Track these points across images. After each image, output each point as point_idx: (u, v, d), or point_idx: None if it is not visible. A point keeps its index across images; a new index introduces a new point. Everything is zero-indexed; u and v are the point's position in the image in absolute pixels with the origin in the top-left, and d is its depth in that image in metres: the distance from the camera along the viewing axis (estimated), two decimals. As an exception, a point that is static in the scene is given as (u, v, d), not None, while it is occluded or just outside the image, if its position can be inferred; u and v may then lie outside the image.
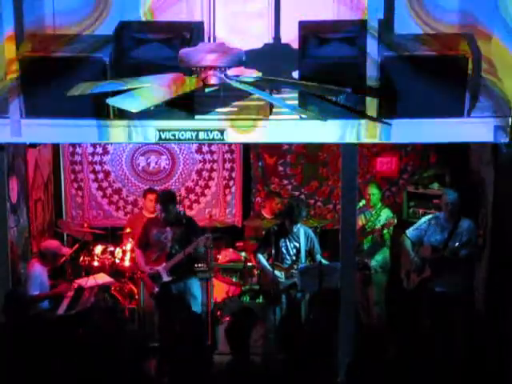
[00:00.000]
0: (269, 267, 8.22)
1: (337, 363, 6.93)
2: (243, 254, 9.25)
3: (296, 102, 6.37)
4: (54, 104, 6.34)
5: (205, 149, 10.24)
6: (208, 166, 10.31)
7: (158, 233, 8.13)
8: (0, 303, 6.58)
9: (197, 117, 6.62)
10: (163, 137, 6.67)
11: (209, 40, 5.00)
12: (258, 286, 8.77)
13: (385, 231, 8.54)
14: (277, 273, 8.16)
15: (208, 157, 10.29)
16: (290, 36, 6.77)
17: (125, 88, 4.99)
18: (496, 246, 7.38)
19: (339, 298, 7.16)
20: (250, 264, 9.00)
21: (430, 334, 7.77)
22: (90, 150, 10.17)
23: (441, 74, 6.32)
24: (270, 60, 6.83)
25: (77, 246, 9.28)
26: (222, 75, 4.78)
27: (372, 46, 6.30)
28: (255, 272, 8.91)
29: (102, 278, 8.51)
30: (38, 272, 7.92)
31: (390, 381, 5.34)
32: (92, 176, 10.28)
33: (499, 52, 6.54)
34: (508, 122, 6.49)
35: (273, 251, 8.15)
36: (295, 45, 6.57)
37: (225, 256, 9.38)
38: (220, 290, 8.96)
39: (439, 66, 6.32)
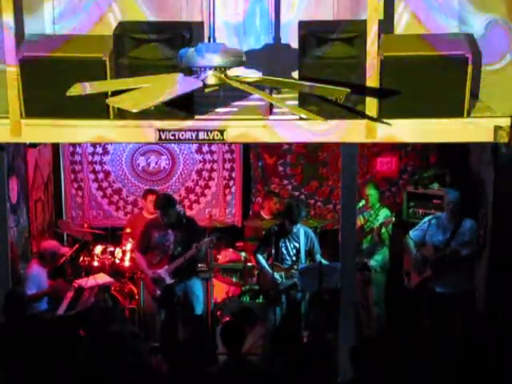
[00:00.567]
0: (268, 268, 8.22)
1: (337, 363, 6.94)
2: (243, 254, 9.25)
3: (296, 102, 6.37)
4: (54, 104, 6.35)
5: (205, 149, 10.24)
6: (208, 166, 10.32)
7: (160, 235, 8.09)
8: (0, 303, 6.57)
9: (197, 117, 6.62)
10: (163, 137, 6.66)
11: (209, 40, 4.99)
12: (257, 286, 8.77)
13: (383, 230, 8.53)
14: (276, 273, 8.16)
15: (208, 157, 10.29)
16: (290, 36, 6.77)
17: (125, 88, 4.99)
18: (496, 245, 7.38)
19: (339, 298, 7.16)
20: (249, 264, 8.99)
21: (430, 334, 7.77)
22: (90, 149, 10.17)
23: (440, 74, 6.32)
24: (269, 60, 6.83)
25: (77, 246, 9.28)
26: (222, 75, 4.78)
27: (372, 46, 6.30)
28: (255, 272, 8.90)
29: (102, 278, 8.51)
30: (37, 272, 7.93)
31: (390, 381, 5.34)
32: (92, 176, 10.28)
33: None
34: (508, 122, 6.49)
35: (273, 251, 8.15)
36: (295, 45, 6.57)
37: (225, 256, 9.38)
38: (220, 290, 8.96)
39: (439, 66, 6.32)
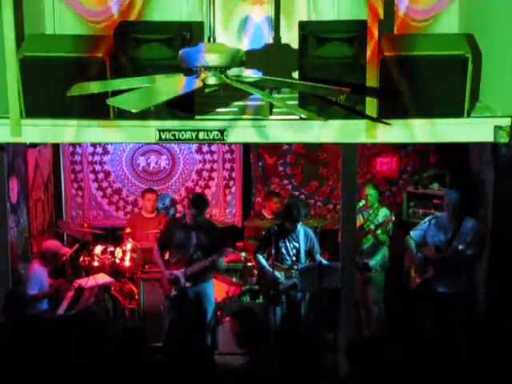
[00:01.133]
0: (268, 267, 8.22)
1: (337, 363, 6.94)
2: (243, 254, 9.25)
3: (296, 102, 6.37)
4: (54, 104, 6.35)
5: (205, 149, 10.25)
6: (208, 166, 10.32)
7: (183, 236, 8.00)
8: (0, 303, 6.57)
9: (197, 117, 6.62)
10: (163, 137, 6.66)
11: (209, 40, 4.99)
12: (257, 286, 8.77)
13: (379, 231, 8.51)
14: (277, 273, 8.16)
15: (208, 157, 10.29)
16: (290, 36, 6.78)
17: (125, 88, 4.99)
18: (496, 245, 7.38)
19: (339, 297, 7.17)
20: (249, 264, 8.99)
21: (430, 333, 7.77)
22: (90, 149, 10.17)
23: (440, 74, 6.32)
24: (269, 60, 6.83)
25: (77, 246, 9.28)
26: (222, 75, 4.78)
27: (372, 46, 6.30)
28: (255, 272, 8.91)
29: (102, 278, 8.51)
30: (38, 272, 7.93)
31: (389, 380, 5.34)
32: (92, 176, 10.28)
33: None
34: (508, 122, 6.49)
35: (273, 251, 8.15)
36: (295, 45, 6.57)
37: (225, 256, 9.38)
38: (220, 290, 8.95)
39: (439, 65, 6.32)
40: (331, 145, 8.97)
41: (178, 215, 9.81)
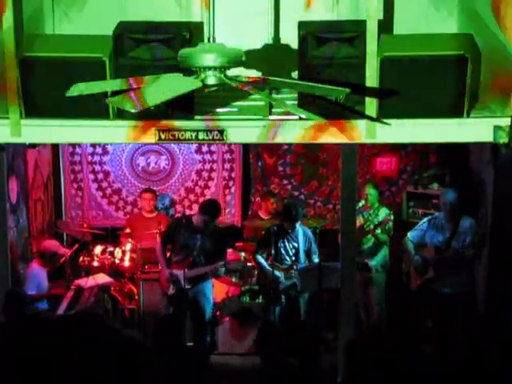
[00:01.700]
0: (268, 267, 8.22)
1: (337, 363, 6.94)
2: (243, 254, 9.25)
3: (296, 102, 6.37)
4: (54, 104, 6.34)
5: (204, 149, 10.25)
6: (207, 166, 10.32)
7: (187, 237, 7.97)
8: (0, 303, 6.57)
9: (196, 117, 6.62)
10: (163, 137, 6.66)
11: (208, 40, 4.99)
12: (257, 286, 8.77)
13: (378, 231, 8.51)
14: (276, 273, 8.15)
15: (207, 157, 10.30)
16: (290, 36, 6.77)
17: (124, 88, 4.99)
18: (496, 245, 7.38)
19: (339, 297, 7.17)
20: (249, 264, 8.99)
21: (430, 333, 7.77)
22: (90, 150, 10.18)
23: (440, 74, 6.32)
24: (269, 60, 6.83)
25: (76, 246, 9.29)
26: (222, 75, 4.78)
27: (372, 46, 6.30)
28: (255, 272, 8.91)
29: (102, 278, 8.51)
30: (36, 272, 7.94)
31: (389, 380, 5.34)
32: (92, 176, 10.28)
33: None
34: (507, 122, 6.49)
35: (272, 251, 8.14)
36: (295, 45, 6.57)
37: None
38: (220, 290, 8.95)
39: (438, 66, 6.32)
40: (331, 145, 8.96)
41: (177, 215, 9.80)
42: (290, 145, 9.87)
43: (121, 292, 8.85)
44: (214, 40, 4.98)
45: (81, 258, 9.20)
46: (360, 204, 8.54)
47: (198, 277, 8.00)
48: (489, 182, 7.64)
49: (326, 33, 6.39)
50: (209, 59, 4.71)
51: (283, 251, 8.23)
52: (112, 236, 9.63)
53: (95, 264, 9.08)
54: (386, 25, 6.62)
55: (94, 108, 6.33)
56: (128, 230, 9.36)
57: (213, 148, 10.21)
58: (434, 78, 6.31)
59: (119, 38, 6.43)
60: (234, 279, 9.13)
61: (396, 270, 8.69)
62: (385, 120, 6.18)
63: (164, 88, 4.82)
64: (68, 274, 9.11)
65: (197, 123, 6.63)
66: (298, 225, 8.22)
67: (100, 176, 10.31)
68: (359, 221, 8.50)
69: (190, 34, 6.40)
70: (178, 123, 6.61)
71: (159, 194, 9.88)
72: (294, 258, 8.25)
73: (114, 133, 6.66)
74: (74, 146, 9.97)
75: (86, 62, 6.32)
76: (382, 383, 5.22)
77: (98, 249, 9.22)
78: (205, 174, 10.35)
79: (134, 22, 6.70)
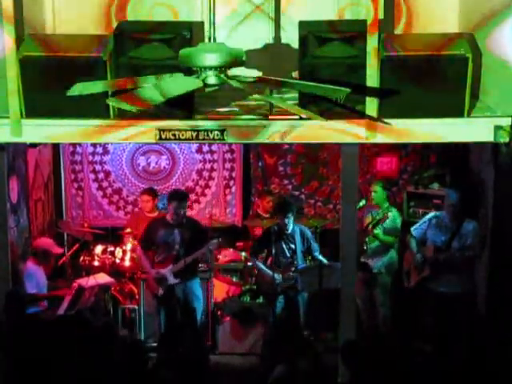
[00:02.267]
0: (265, 269, 8.20)
1: (337, 363, 6.93)
2: (243, 253, 9.25)
3: (296, 102, 6.37)
4: (54, 104, 6.35)
5: (205, 148, 10.24)
6: (208, 165, 10.31)
7: (166, 234, 8.03)
8: (0, 303, 6.58)
9: (197, 117, 6.62)
10: (163, 136, 6.66)
11: (209, 40, 4.99)
12: (256, 286, 8.76)
13: (376, 231, 8.49)
14: (274, 274, 8.10)
15: (208, 157, 10.29)
16: (290, 36, 6.78)
17: (124, 88, 4.99)
18: (496, 245, 7.38)
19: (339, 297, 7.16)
20: (250, 264, 8.99)
21: (431, 333, 7.76)
22: (90, 149, 10.17)
23: (441, 73, 6.32)
24: (270, 60, 6.83)
25: (77, 245, 9.29)
26: (222, 75, 4.78)
27: (372, 46, 6.30)
28: (255, 272, 8.90)
29: (103, 278, 8.50)
30: (32, 270, 7.94)
31: (389, 381, 5.34)
32: (92, 176, 10.28)
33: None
34: (508, 121, 6.49)
35: (273, 251, 8.12)
36: (295, 45, 6.57)
37: (225, 256, 9.38)
38: (220, 289, 8.95)
39: (439, 65, 6.32)
40: (331, 145, 8.96)
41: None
42: (290, 144, 9.86)
43: (121, 292, 8.85)
44: (214, 40, 4.98)
45: (81, 258, 9.21)
46: (360, 204, 8.52)
47: (187, 273, 7.99)
48: (489, 182, 7.63)
49: (326, 33, 6.39)
50: (209, 59, 4.71)
51: (280, 252, 8.18)
52: (112, 236, 9.63)
53: (96, 264, 9.09)
54: (386, 25, 6.61)
55: (94, 108, 6.34)
56: (129, 230, 9.35)
57: (213, 148, 10.20)
58: (435, 78, 6.31)
59: (120, 37, 6.43)
60: (234, 279, 9.14)
61: (399, 271, 8.67)
62: (385, 120, 6.19)
63: (164, 88, 4.82)
64: (69, 273, 9.11)
65: (197, 123, 6.63)
66: (292, 223, 8.12)
67: (101, 176, 10.30)
68: (368, 219, 8.50)
69: (190, 33, 6.40)
70: (178, 123, 6.61)
71: (159, 194, 9.86)
72: (291, 260, 8.19)
73: (115, 132, 6.66)
74: (74, 145, 9.96)
75: (86, 62, 6.32)
76: (381, 383, 5.23)
77: (99, 248, 9.23)
78: (205, 174, 10.34)
79: (134, 22, 6.70)
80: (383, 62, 6.30)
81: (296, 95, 6.43)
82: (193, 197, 10.32)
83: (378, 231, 8.47)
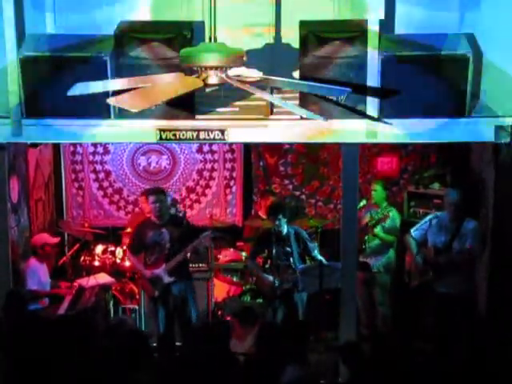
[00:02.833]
0: (263, 273, 8.17)
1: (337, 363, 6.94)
2: (244, 253, 9.25)
3: (296, 102, 6.37)
4: (55, 104, 6.35)
5: (205, 148, 10.25)
6: (209, 165, 10.32)
7: (154, 235, 7.98)
8: (1, 302, 6.57)
9: (197, 116, 6.62)
10: (164, 137, 6.67)
11: (209, 40, 4.99)
12: (255, 286, 8.76)
13: (377, 230, 8.49)
14: (271, 277, 8.09)
15: (209, 156, 10.29)
16: (290, 36, 6.77)
17: (125, 88, 5.00)
18: (497, 245, 7.37)
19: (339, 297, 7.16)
20: (248, 265, 8.98)
21: (431, 333, 7.76)
22: (91, 149, 10.18)
23: (441, 73, 6.32)
24: (270, 60, 6.83)
25: (77, 245, 9.30)
26: (223, 75, 4.78)
27: (373, 46, 6.30)
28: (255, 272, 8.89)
29: (103, 278, 8.52)
30: (35, 268, 7.98)
31: (389, 381, 5.34)
32: (93, 176, 10.28)
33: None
34: (509, 121, 6.48)
35: (269, 255, 8.12)
36: (295, 45, 6.57)
37: (225, 256, 9.39)
38: (221, 289, 8.96)
39: (439, 65, 6.32)
40: (332, 144, 8.96)
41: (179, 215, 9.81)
42: (291, 144, 9.87)
43: (122, 292, 8.86)
44: (215, 39, 4.98)
45: (82, 258, 9.22)
46: (361, 204, 8.53)
47: (180, 271, 7.98)
48: (490, 182, 7.63)
49: (326, 33, 6.39)
50: (210, 59, 4.71)
51: (277, 255, 8.13)
52: (113, 236, 9.64)
53: (96, 263, 9.11)
54: (386, 25, 6.60)
55: (95, 108, 6.34)
56: (129, 230, 9.35)
57: (214, 147, 10.20)
58: (435, 78, 6.31)
59: (120, 37, 6.43)
60: (235, 279, 9.14)
61: (397, 270, 8.68)
62: (386, 120, 6.19)
63: (165, 88, 4.83)
64: (69, 273, 9.11)
65: (198, 123, 6.63)
66: (285, 225, 8.06)
67: (101, 175, 10.31)
68: (366, 218, 8.50)
69: (190, 33, 6.40)
70: (178, 123, 6.61)
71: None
72: (287, 263, 8.15)
73: (115, 132, 6.66)
74: (75, 145, 9.96)
75: (86, 62, 6.32)
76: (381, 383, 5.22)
77: (99, 248, 9.25)
78: (206, 174, 10.34)
79: (135, 22, 6.70)
80: (383, 61, 6.29)
81: (296, 95, 6.43)
82: (193, 197, 10.34)
83: (378, 230, 8.47)
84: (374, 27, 6.31)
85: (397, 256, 8.67)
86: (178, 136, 6.68)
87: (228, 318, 8.46)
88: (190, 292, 8.06)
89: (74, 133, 6.69)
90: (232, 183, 10.36)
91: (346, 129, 6.56)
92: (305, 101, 6.34)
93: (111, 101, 5.05)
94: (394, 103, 6.32)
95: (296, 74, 6.64)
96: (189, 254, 8.04)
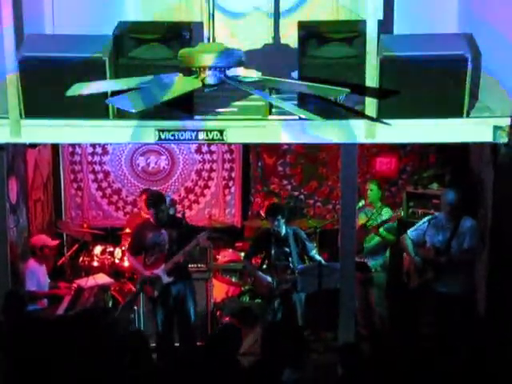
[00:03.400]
0: (261, 274, 8.16)
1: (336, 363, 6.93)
2: (243, 254, 9.24)
3: (296, 102, 6.37)
4: (54, 104, 6.35)
5: (204, 149, 10.24)
6: (207, 166, 10.31)
7: (154, 236, 7.97)
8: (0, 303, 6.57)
9: (196, 117, 6.62)
10: (163, 137, 6.67)
11: (208, 40, 5.00)
12: (253, 287, 8.75)
13: (381, 229, 8.50)
14: (269, 278, 8.09)
15: (207, 157, 10.29)
16: (290, 36, 6.78)
17: (125, 88, 4.99)
18: (496, 245, 7.37)
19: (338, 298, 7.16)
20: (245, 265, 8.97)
21: (430, 333, 7.77)
22: (90, 150, 10.17)
23: (439, 74, 6.33)
24: (270, 60, 6.83)
25: (76, 246, 9.29)
26: (222, 75, 4.78)
27: (372, 46, 6.30)
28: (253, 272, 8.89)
29: (102, 279, 8.51)
30: (34, 269, 7.97)
31: (389, 381, 5.34)
32: (91, 176, 10.28)
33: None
34: (507, 122, 6.49)
35: (267, 255, 8.11)
36: (295, 45, 6.57)
37: (224, 256, 9.38)
38: (219, 290, 8.96)
39: (439, 66, 6.32)
40: (331, 145, 8.96)
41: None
42: (289, 145, 9.87)
43: (121, 292, 8.84)
44: (213, 40, 4.98)
45: (81, 258, 9.22)
46: (360, 204, 8.54)
47: (179, 271, 7.97)
48: (489, 182, 7.63)
49: (326, 33, 6.39)
50: (209, 59, 4.71)
51: (275, 256, 8.12)
52: (112, 236, 9.63)
53: (95, 264, 9.10)
54: (386, 25, 6.61)
55: (94, 108, 6.34)
56: (128, 230, 9.35)
57: (213, 148, 10.20)
58: (434, 78, 6.31)
59: (119, 37, 6.43)
60: (233, 279, 9.13)
61: (396, 270, 8.68)
62: (385, 120, 6.19)
63: (164, 88, 4.82)
64: (68, 274, 9.11)
65: (196, 123, 6.63)
66: (283, 226, 8.02)
67: (100, 176, 10.31)
68: (361, 219, 8.51)
69: (189, 33, 6.40)
70: (177, 123, 6.61)
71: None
72: (286, 263, 8.14)
73: (114, 133, 6.66)
74: (73, 145, 9.96)
75: (85, 62, 6.32)
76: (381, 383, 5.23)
77: (98, 249, 9.24)
78: (205, 174, 10.34)
79: (134, 22, 6.70)
80: (383, 61, 6.30)
81: (295, 95, 6.43)
82: (192, 197, 10.33)
83: (381, 230, 8.49)
84: (372, 27, 6.30)
85: (392, 256, 8.68)
86: (176, 136, 6.68)
87: (227, 319, 8.46)
88: (189, 292, 8.05)
89: (72, 133, 6.69)
90: (231, 184, 10.35)
91: (345, 129, 6.56)
92: (304, 101, 6.33)
93: (111, 101, 5.05)
94: (393, 103, 6.32)
95: (295, 74, 6.64)
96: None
